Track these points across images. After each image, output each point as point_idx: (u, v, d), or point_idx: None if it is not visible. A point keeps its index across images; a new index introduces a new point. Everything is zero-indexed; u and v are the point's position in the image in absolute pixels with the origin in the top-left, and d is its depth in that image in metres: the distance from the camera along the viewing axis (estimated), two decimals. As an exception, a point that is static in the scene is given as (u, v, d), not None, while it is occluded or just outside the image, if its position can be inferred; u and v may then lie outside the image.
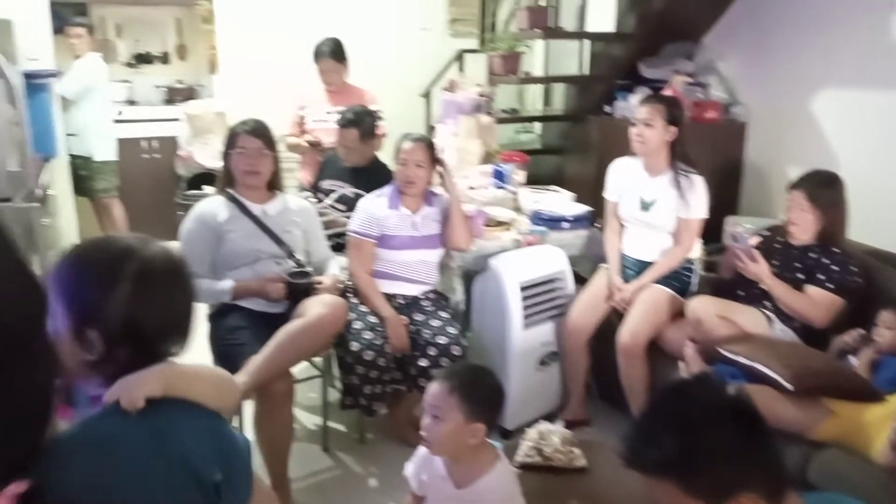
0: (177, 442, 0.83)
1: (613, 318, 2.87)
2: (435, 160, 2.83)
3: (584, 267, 3.21)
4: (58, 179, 4.15)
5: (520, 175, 3.66)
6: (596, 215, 3.27)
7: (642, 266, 2.89)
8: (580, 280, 3.09)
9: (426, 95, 5.56)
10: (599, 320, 2.91)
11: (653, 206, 2.85)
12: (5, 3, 3.43)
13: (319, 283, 2.59)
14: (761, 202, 3.72)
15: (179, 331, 1.13)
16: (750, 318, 2.54)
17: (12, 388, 0.60)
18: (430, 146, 2.83)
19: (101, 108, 4.75)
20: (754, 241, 2.66)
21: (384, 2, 5.98)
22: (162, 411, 0.88)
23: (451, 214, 2.84)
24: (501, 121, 4.45)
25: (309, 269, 2.64)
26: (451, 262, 3.02)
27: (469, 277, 3.03)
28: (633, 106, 3.42)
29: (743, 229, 2.75)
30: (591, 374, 3.02)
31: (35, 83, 3.57)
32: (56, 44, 4.27)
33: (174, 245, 1.16)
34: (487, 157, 3.83)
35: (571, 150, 4.50)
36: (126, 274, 1.05)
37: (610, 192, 3.01)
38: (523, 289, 2.82)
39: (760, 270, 2.56)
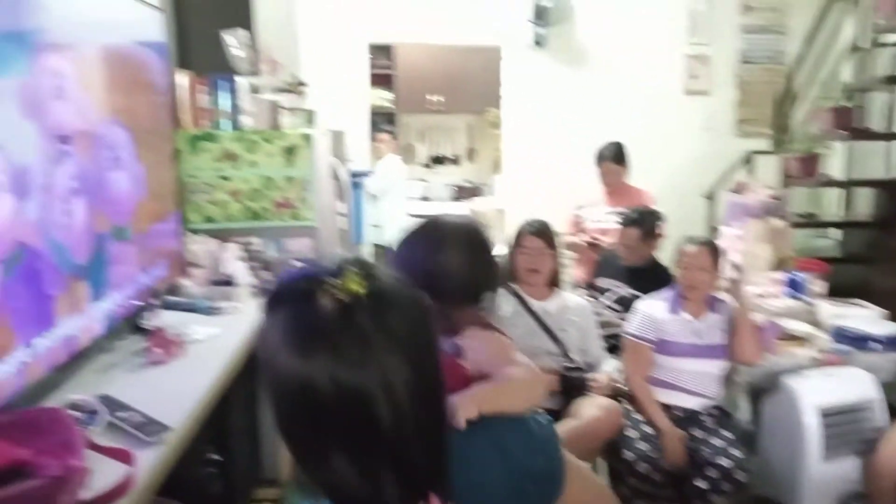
0: (506, 443, 0.89)
1: (940, 463, 2.41)
2: (718, 264, 2.69)
3: (899, 397, 2.77)
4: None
5: (818, 285, 3.32)
6: (915, 337, 2.83)
7: (980, 403, 2.42)
8: (894, 412, 2.66)
9: (710, 197, 5.35)
10: (920, 463, 2.47)
11: None
12: (341, 118, 4.08)
13: (594, 380, 2.56)
14: None
15: (482, 285, 1.39)
16: None
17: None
18: (714, 250, 2.72)
19: (398, 203, 5.39)
20: None
21: (666, 103, 5.95)
22: (485, 423, 0.98)
23: (739, 324, 2.65)
24: (797, 225, 4.12)
25: (583, 366, 2.62)
26: (735, 377, 2.80)
27: (756, 395, 2.77)
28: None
29: None
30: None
31: (353, 181, 4.13)
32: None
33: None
34: (779, 264, 3.55)
35: (880, 260, 4.00)
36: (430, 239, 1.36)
37: (935, 313, 2.60)
38: (824, 415, 2.50)
39: None
